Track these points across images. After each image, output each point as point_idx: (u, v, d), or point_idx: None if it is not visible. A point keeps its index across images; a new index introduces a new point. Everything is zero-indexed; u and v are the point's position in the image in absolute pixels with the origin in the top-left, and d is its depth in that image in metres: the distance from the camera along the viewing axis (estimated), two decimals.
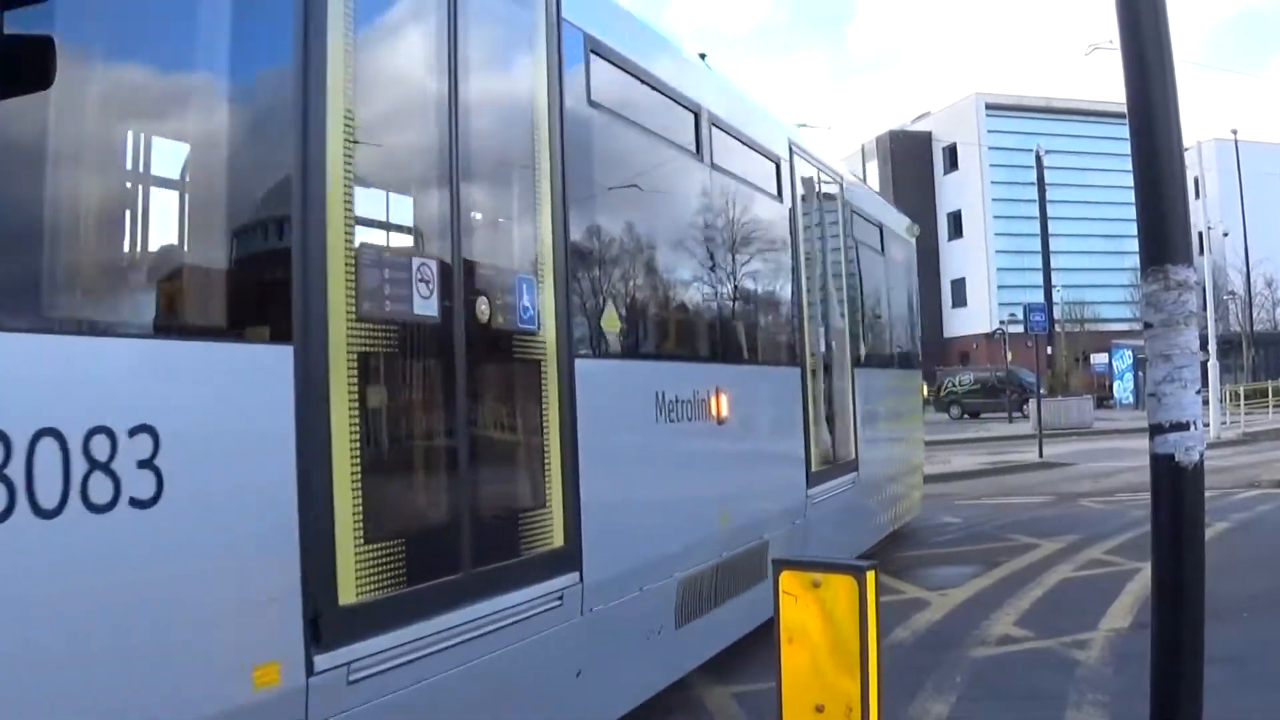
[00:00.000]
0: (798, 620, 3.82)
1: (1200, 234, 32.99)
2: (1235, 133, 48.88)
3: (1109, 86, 75.26)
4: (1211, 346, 28.84)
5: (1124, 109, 3.88)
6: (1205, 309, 29.52)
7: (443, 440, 4.36)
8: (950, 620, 8.59)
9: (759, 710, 6.08)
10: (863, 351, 11.03)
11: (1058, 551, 11.58)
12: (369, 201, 4.04)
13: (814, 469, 8.71)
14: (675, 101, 6.84)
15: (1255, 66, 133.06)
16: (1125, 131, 3.93)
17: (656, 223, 6.62)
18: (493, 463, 4.73)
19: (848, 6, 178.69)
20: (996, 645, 7.74)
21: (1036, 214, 43.52)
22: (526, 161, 5.05)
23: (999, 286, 65.21)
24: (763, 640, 6.94)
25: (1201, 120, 69.35)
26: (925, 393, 17.22)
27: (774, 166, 8.70)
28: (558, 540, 4.96)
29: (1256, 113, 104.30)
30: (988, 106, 68.22)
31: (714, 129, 7.31)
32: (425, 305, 4.18)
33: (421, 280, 4.17)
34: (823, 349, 9.56)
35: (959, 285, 70.26)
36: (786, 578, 3.85)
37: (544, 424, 4.94)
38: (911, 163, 71.06)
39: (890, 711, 4.15)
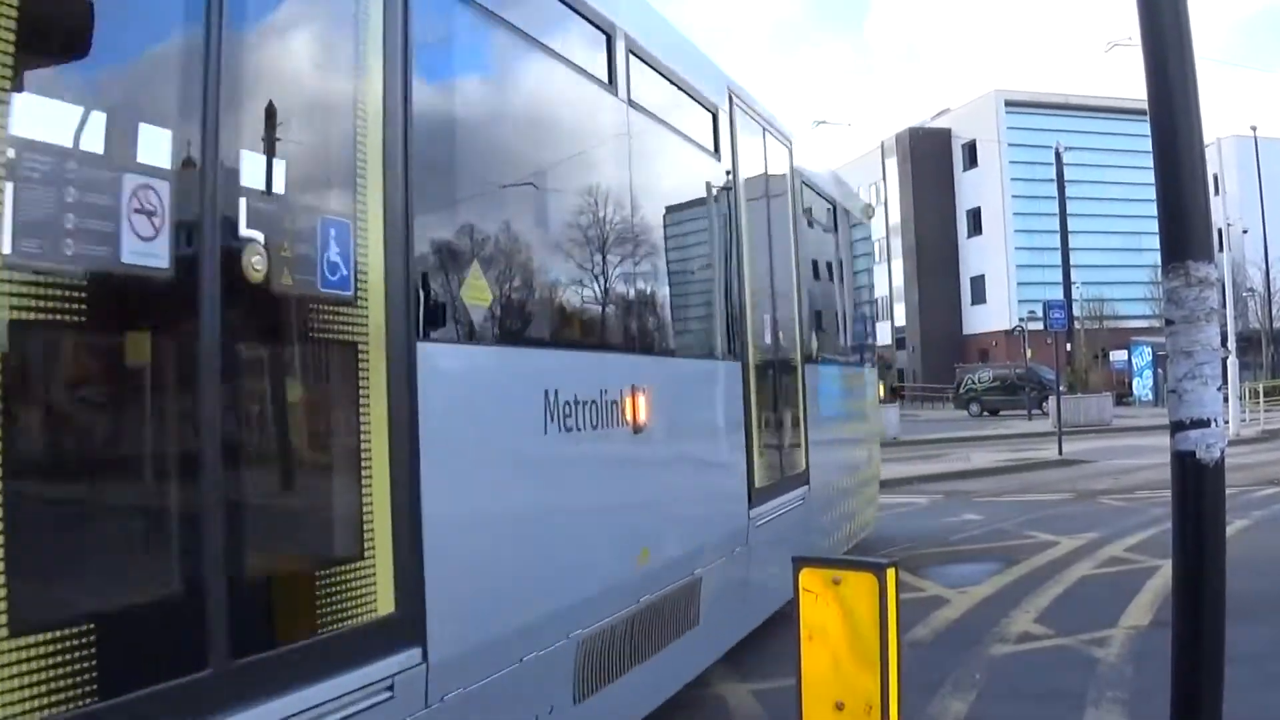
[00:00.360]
0: (817, 618, 3.82)
1: (1220, 231, 32.84)
2: (1255, 130, 48.76)
3: (1129, 83, 74.90)
4: (1231, 343, 28.72)
5: (1144, 106, 3.87)
6: (1225, 306, 29.41)
7: (175, 462, 2.86)
8: (970, 618, 8.57)
9: (778, 707, 6.08)
10: (814, 345, 9.69)
11: (1077, 549, 11.54)
12: (42, 88, 2.58)
13: (758, 485, 7.31)
14: (580, 14, 5.39)
15: (1274, 64, 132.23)
16: (1145, 128, 3.92)
17: (552, 162, 5.15)
18: (270, 496, 3.20)
19: (863, 2, 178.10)
20: (1016, 643, 7.74)
21: (1056, 211, 43.41)
22: (345, 50, 3.53)
23: (1018, 283, 65.00)
24: (781, 637, 6.95)
25: (1221, 117, 69.06)
26: (881, 393, 16.00)
27: (710, 117, 7.22)
28: (384, 605, 3.41)
29: (1276, 110, 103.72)
30: (1007, 103, 67.95)
31: (632, 58, 5.84)
32: (147, 252, 2.73)
33: (142, 212, 2.71)
34: (768, 341, 8.05)
35: (978, 282, 70.05)
36: (806, 575, 3.85)
37: (363, 436, 3.38)
38: (931, 160, 70.91)
39: (910, 709, 4.16)
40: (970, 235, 70.72)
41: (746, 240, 7.58)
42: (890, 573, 3.73)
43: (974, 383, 50.32)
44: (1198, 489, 3.69)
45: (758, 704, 6.52)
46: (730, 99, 7.57)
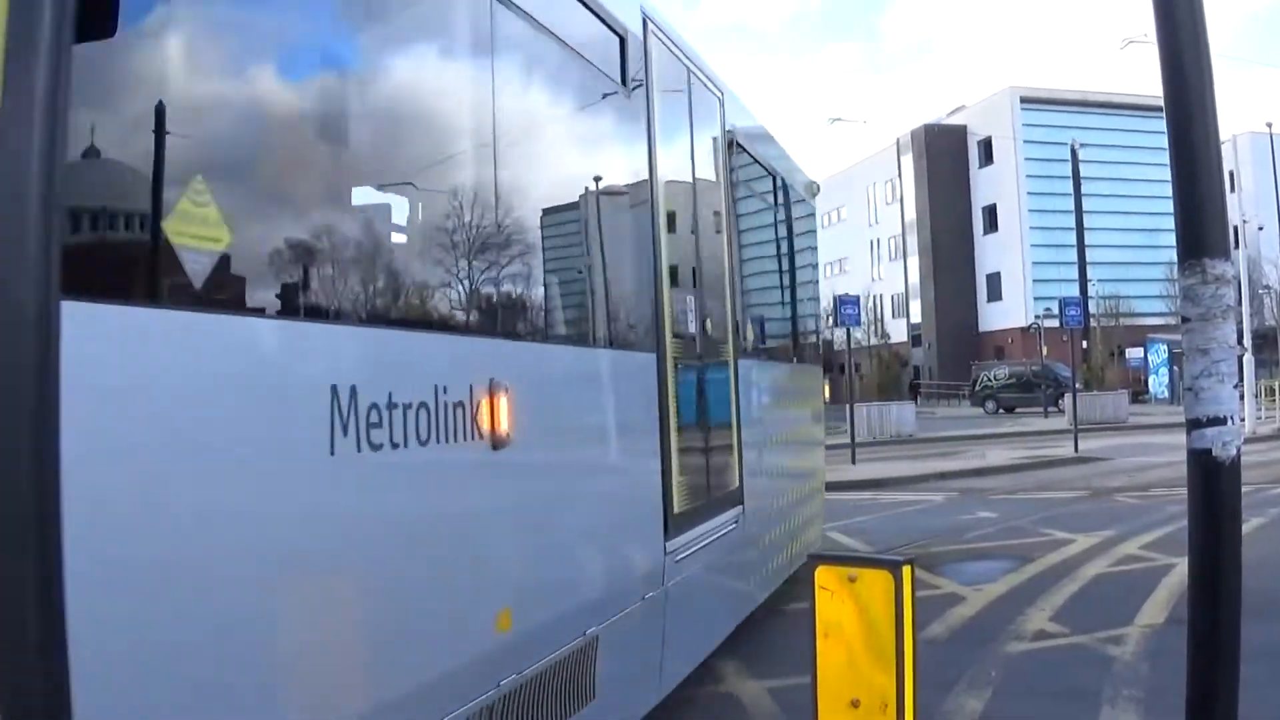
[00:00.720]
0: (833, 615, 3.83)
1: (1235, 228, 32.72)
2: (1270, 126, 48.36)
3: (1144, 80, 74.64)
4: (1247, 341, 28.63)
5: (1160, 102, 3.86)
6: (1241, 303, 29.31)
7: None
8: (985, 615, 8.56)
9: (794, 705, 6.07)
10: (750, 337, 8.25)
11: (1093, 547, 11.52)
12: None
13: (678, 509, 5.77)
14: None
15: None
16: (1161, 125, 3.91)
17: (365, 46, 3.49)
18: None
19: None
20: (1031, 641, 7.73)
21: (1072, 208, 43.45)
22: None
23: (1034, 280, 64.93)
24: (787, 633, 6.95)
25: (1236, 114, 68.77)
26: (827, 394, 13.96)
27: (617, 42, 5.51)
28: None
29: None
30: (1023, 100, 67.82)
31: None
32: None
33: None
34: (692, 329, 6.51)
35: (994, 279, 69.97)
36: (822, 572, 3.86)
37: None
38: (946, 157, 70.85)
39: (925, 707, 4.16)
40: (986, 232, 70.63)
41: (663, 202, 6.05)
42: (906, 570, 3.73)
43: (990, 380, 50.30)
44: (1214, 486, 3.68)
45: (773, 702, 6.51)
46: (645, 24, 5.90)
